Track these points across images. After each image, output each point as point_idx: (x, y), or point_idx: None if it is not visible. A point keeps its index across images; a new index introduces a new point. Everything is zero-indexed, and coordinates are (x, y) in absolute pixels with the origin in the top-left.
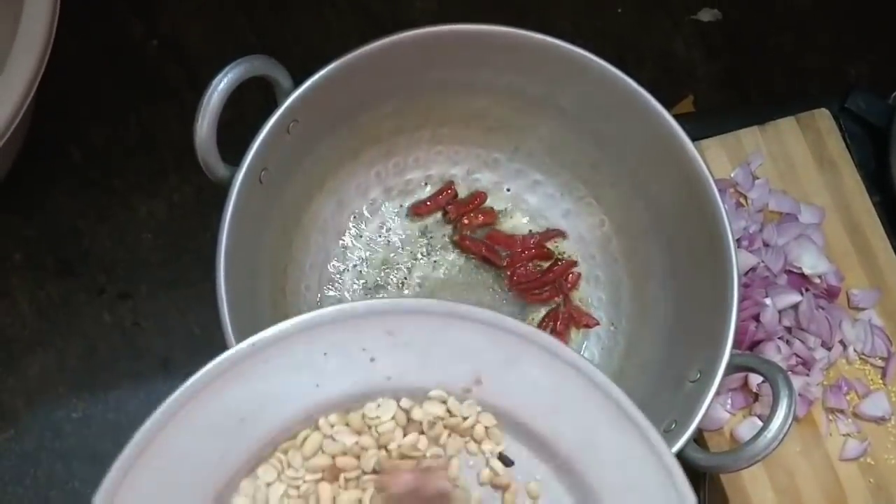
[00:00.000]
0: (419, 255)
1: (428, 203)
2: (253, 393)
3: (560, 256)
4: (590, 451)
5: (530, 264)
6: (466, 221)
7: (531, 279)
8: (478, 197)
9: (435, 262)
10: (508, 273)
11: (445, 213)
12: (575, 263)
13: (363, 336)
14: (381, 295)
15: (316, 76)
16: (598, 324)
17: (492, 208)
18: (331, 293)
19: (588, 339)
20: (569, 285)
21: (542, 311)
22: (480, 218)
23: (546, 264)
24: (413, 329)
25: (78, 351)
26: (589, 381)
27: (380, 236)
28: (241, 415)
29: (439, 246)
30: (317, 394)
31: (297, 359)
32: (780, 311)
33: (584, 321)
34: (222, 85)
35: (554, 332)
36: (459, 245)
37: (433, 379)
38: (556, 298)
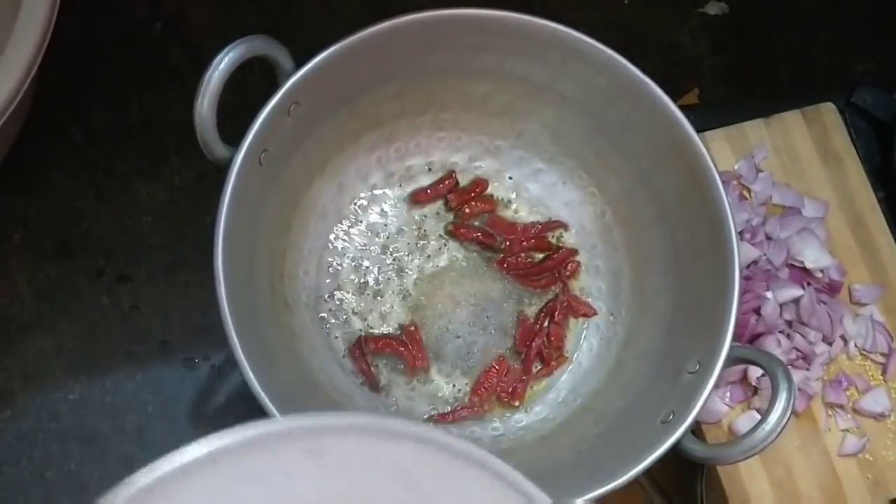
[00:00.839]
0: (419, 243)
1: (428, 191)
2: None
3: (560, 245)
4: None
5: (523, 255)
6: (467, 210)
7: (525, 266)
8: (479, 185)
9: (435, 249)
10: (500, 258)
11: (447, 202)
12: (575, 252)
13: (283, 459)
14: (379, 287)
15: (318, 58)
16: (596, 313)
17: (493, 196)
18: (329, 280)
19: (587, 329)
20: (568, 274)
21: (541, 301)
22: (481, 206)
23: (540, 256)
24: (338, 449)
25: (76, 333)
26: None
27: (379, 223)
28: None
29: (439, 234)
30: None
31: (208, 492)
32: (781, 305)
33: (582, 310)
34: (223, 64)
35: (552, 321)
36: (454, 234)
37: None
38: (553, 287)
